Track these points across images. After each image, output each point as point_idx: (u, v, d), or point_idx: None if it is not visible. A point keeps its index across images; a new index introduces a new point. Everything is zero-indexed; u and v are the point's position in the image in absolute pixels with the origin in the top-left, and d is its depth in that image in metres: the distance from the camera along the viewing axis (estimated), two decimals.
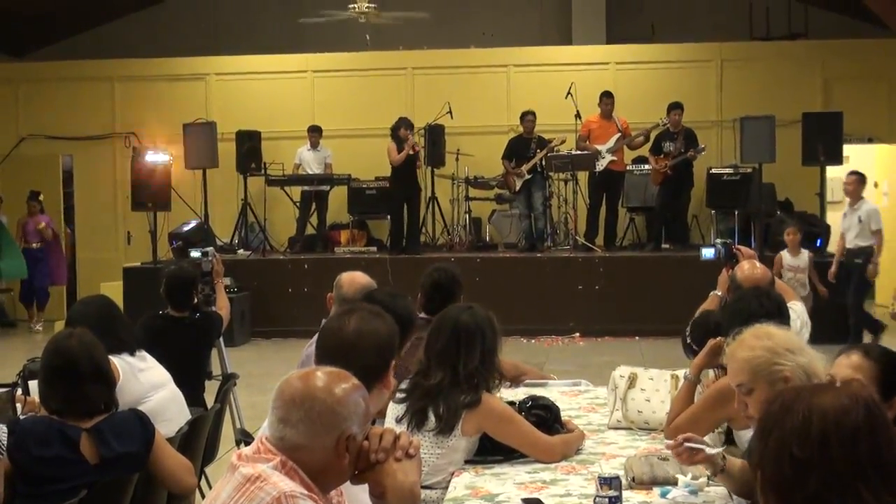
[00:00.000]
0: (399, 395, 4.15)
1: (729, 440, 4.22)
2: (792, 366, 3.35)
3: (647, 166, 14.95)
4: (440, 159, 15.32)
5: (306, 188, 15.48)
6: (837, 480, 2.02)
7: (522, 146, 14.69)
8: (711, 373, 4.42)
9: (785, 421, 2.09)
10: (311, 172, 15.52)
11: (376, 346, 3.26)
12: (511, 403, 4.31)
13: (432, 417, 4.06)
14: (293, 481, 2.45)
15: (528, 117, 14.69)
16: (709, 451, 3.47)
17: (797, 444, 2.05)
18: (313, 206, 15.53)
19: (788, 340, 3.47)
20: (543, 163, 14.48)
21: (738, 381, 3.40)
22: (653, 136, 14.56)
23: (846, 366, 3.36)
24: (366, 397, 2.59)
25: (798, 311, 5.55)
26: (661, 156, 14.36)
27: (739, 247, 6.53)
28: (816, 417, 2.06)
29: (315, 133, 15.66)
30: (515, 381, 5.68)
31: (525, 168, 14.49)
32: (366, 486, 2.64)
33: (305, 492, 2.44)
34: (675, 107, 14.35)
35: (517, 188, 14.66)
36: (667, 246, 14.63)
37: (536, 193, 14.62)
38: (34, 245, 15.48)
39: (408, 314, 4.63)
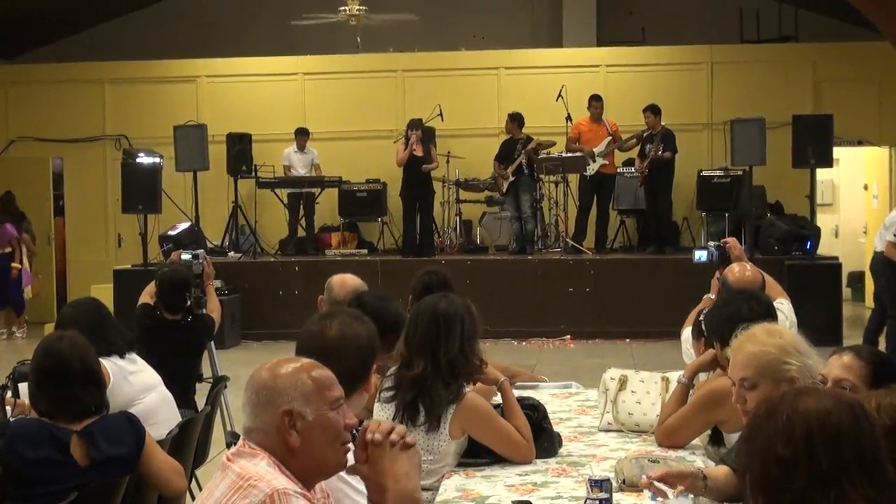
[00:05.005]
0: (386, 395, 4.14)
1: (716, 441, 4.20)
2: (799, 366, 3.36)
3: (634, 169, 14.98)
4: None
5: (295, 190, 15.47)
6: (823, 478, 2.08)
7: (510, 148, 14.72)
8: (703, 376, 4.41)
9: (769, 423, 2.16)
10: (297, 174, 15.52)
11: (358, 349, 3.30)
12: (497, 406, 4.31)
13: (422, 410, 4.06)
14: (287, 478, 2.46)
15: (507, 120, 14.80)
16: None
17: (782, 444, 2.11)
18: (301, 209, 15.52)
19: (798, 341, 3.48)
20: (535, 165, 14.50)
21: (743, 374, 3.38)
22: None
23: (837, 366, 3.36)
24: (319, 378, 2.59)
25: (786, 310, 5.54)
26: (645, 158, 14.42)
27: (728, 239, 6.50)
28: (799, 419, 2.13)
29: (302, 136, 15.66)
30: None
31: (509, 170, 14.51)
32: (352, 491, 2.64)
33: (298, 489, 2.44)
34: (648, 109, 14.42)
35: (504, 190, 14.69)
36: (651, 248, 14.62)
37: (524, 196, 14.63)
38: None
39: (398, 317, 4.63)
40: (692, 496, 3.57)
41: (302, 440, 2.53)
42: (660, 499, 3.40)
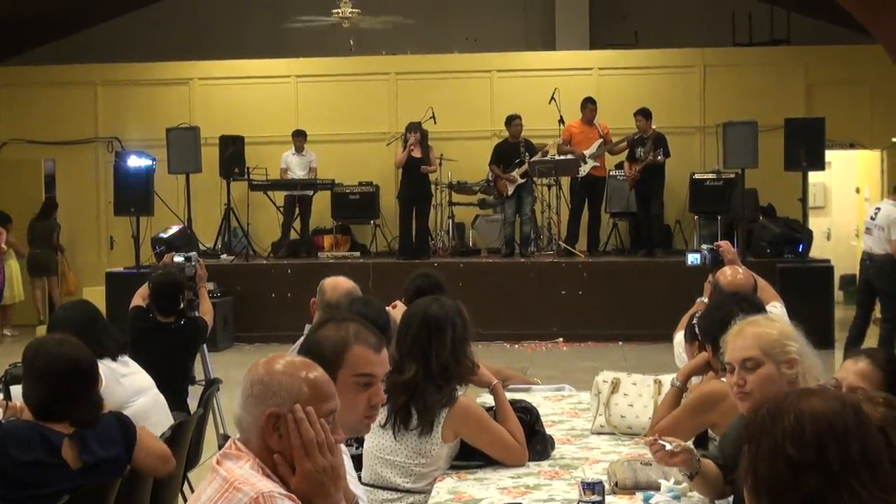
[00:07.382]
0: None
1: (701, 447, 4.20)
2: (799, 349, 3.43)
3: (623, 173, 14.96)
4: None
5: (289, 193, 15.47)
6: (833, 479, 2.09)
7: (511, 151, 14.65)
8: (696, 379, 4.42)
9: (776, 423, 2.14)
10: (296, 177, 15.52)
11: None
12: (490, 409, 4.31)
13: (415, 413, 4.05)
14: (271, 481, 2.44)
15: (514, 121, 14.68)
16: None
17: (792, 445, 2.10)
18: (297, 211, 15.53)
19: (794, 331, 3.55)
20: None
21: (747, 354, 3.41)
22: None
23: (853, 372, 3.39)
24: (317, 388, 2.51)
25: (778, 313, 5.55)
26: (635, 161, 14.42)
27: (720, 243, 6.51)
28: (809, 419, 2.12)
29: (299, 137, 15.66)
30: None
31: (518, 173, 14.45)
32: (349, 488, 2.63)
33: (284, 491, 2.42)
34: (639, 112, 14.42)
35: (509, 193, 14.63)
36: (642, 251, 14.63)
37: (527, 198, 14.63)
38: None
39: (382, 321, 4.64)
40: (683, 497, 3.59)
41: (280, 446, 2.48)
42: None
